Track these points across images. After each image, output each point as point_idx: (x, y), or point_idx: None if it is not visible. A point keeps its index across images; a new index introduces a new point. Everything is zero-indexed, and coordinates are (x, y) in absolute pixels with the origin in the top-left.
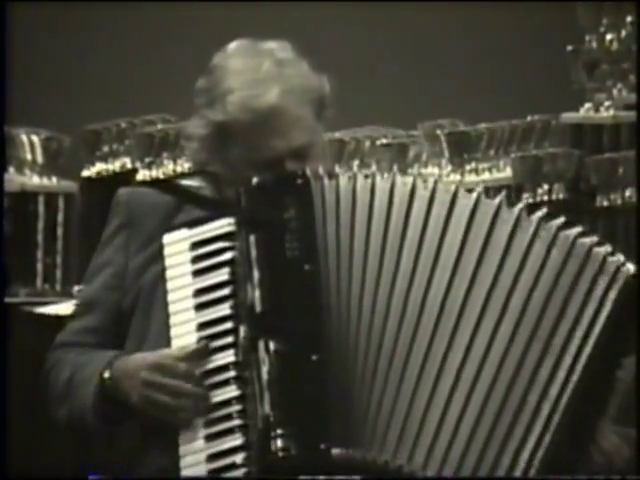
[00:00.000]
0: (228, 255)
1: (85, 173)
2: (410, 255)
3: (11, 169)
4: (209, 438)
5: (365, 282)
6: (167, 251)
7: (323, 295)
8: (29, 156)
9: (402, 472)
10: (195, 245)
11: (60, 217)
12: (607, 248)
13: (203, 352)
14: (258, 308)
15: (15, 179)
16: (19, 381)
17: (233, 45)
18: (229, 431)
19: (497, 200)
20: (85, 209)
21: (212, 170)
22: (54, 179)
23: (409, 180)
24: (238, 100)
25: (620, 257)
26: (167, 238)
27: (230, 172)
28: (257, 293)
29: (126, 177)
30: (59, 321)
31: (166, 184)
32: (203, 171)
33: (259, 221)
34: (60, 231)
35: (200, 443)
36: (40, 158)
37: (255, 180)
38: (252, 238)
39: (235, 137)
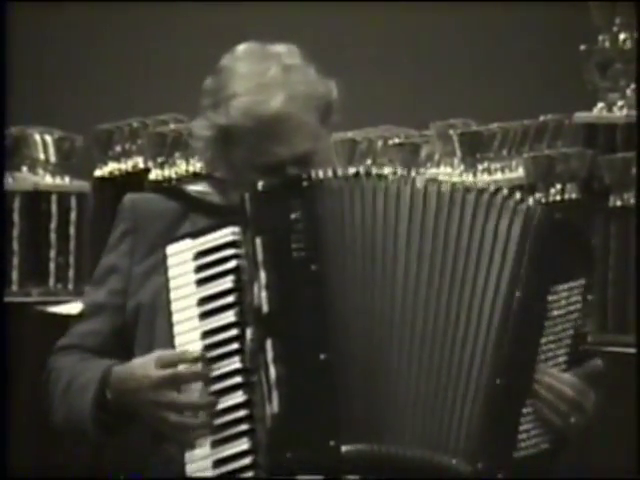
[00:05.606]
0: (232, 263)
1: (97, 173)
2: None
3: (24, 169)
4: (215, 444)
5: (372, 281)
6: (170, 262)
7: (329, 295)
8: (42, 156)
9: (415, 462)
10: (199, 255)
11: (73, 216)
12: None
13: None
14: (265, 309)
15: (28, 178)
16: (31, 380)
17: (241, 47)
18: (236, 436)
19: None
20: (98, 209)
21: (217, 174)
22: (67, 179)
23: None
24: (242, 106)
25: (521, 196)
26: (170, 249)
27: (234, 175)
28: (264, 294)
29: (138, 177)
30: (71, 320)
31: (172, 190)
32: (209, 176)
33: (265, 224)
34: (72, 230)
35: (206, 449)
36: (53, 158)
37: (260, 184)
38: (258, 241)
39: (238, 141)
